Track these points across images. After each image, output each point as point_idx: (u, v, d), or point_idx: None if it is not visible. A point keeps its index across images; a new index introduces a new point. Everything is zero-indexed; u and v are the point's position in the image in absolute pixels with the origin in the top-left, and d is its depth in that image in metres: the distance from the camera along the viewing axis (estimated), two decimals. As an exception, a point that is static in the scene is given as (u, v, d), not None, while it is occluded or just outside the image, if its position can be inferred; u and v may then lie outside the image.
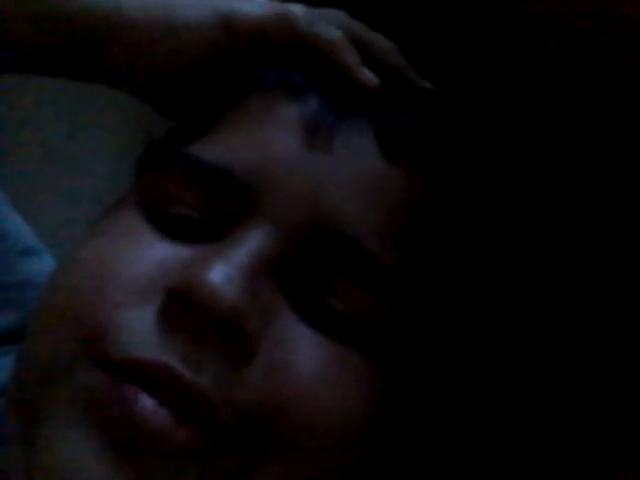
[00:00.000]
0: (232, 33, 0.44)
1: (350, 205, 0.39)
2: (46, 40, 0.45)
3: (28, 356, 0.40)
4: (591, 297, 0.47)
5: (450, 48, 0.51)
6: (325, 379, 0.38)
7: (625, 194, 0.46)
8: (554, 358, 0.47)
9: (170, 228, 0.40)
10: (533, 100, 0.49)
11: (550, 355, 0.48)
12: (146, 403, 0.35)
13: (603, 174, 0.47)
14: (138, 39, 0.44)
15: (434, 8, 0.51)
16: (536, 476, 0.47)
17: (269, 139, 0.40)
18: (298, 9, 0.45)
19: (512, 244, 0.46)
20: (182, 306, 0.36)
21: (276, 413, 0.37)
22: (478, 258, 0.44)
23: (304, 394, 0.37)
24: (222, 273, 0.36)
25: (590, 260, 0.47)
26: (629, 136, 0.46)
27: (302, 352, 0.38)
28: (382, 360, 0.40)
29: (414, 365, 0.42)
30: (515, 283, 0.47)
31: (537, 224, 0.48)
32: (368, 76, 0.43)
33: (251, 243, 0.38)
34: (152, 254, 0.39)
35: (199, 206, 0.40)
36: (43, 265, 0.50)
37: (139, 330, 0.37)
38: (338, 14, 0.46)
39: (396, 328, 0.40)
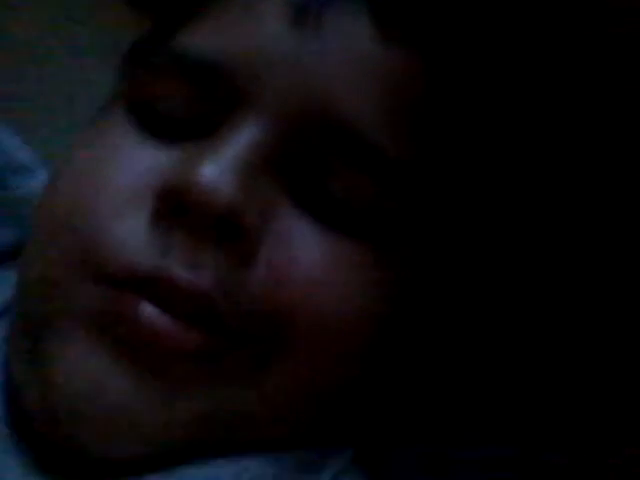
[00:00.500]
0: None
1: (345, 90, 0.38)
2: None
3: (27, 274, 0.40)
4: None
5: None
6: (330, 273, 0.37)
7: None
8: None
9: (159, 129, 0.38)
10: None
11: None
12: (150, 312, 0.35)
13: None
14: None
15: None
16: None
17: (255, 25, 0.38)
18: None
19: (519, 129, 0.43)
20: (175, 207, 0.35)
21: (282, 311, 0.36)
22: (487, 144, 0.42)
23: (309, 290, 0.36)
24: (215, 168, 0.35)
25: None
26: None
27: (305, 248, 0.37)
28: (390, 251, 0.39)
29: (425, 256, 0.41)
30: (527, 177, 0.44)
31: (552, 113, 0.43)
32: None
33: (244, 136, 0.36)
34: (141, 159, 0.38)
35: (187, 103, 0.38)
36: (39, 182, 0.49)
37: (133, 239, 0.36)
38: None
39: (404, 218, 0.39)
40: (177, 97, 0.38)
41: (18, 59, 0.58)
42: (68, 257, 0.37)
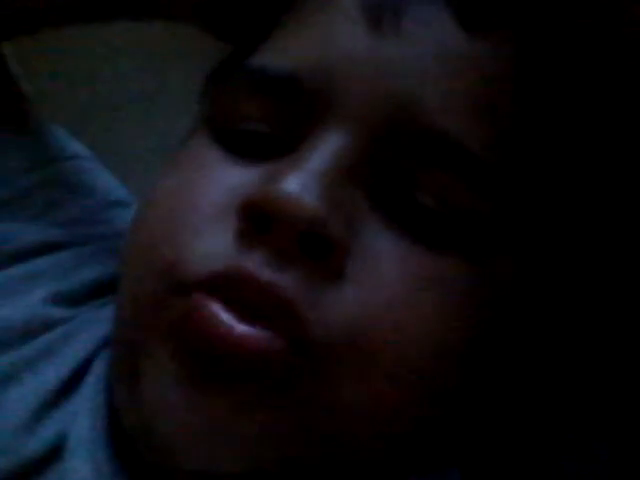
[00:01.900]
0: None
1: (431, 92, 0.36)
2: None
3: (121, 299, 0.40)
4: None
5: None
6: (420, 294, 0.35)
7: None
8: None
9: (243, 149, 0.38)
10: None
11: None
12: (221, 318, 0.34)
13: None
14: None
15: None
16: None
17: (330, 34, 0.37)
18: None
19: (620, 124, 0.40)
20: (259, 223, 0.34)
21: (369, 334, 0.35)
22: (577, 143, 0.39)
23: (399, 313, 0.35)
24: (298, 181, 0.34)
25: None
26: None
27: (394, 265, 0.35)
28: (485, 265, 0.37)
29: (521, 270, 0.39)
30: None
31: None
32: None
33: (326, 147, 0.35)
34: (225, 178, 0.37)
35: (268, 120, 0.38)
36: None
37: (215, 251, 0.35)
38: None
39: (498, 227, 0.37)
40: (259, 115, 0.38)
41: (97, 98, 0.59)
42: (155, 276, 0.37)
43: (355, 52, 0.36)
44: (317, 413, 0.35)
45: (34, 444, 0.39)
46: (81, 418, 0.40)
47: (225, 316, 0.34)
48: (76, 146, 0.52)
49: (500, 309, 0.39)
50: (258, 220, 0.34)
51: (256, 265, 0.34)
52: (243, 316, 0.34)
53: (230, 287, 0.34)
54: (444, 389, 0.38)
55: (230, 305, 0.34)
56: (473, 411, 0.40)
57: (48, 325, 0.43)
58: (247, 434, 0.35)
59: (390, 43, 0.36)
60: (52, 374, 0.41)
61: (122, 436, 0.39)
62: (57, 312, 0.44)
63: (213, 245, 0.36)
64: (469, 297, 0.37)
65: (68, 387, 0.42)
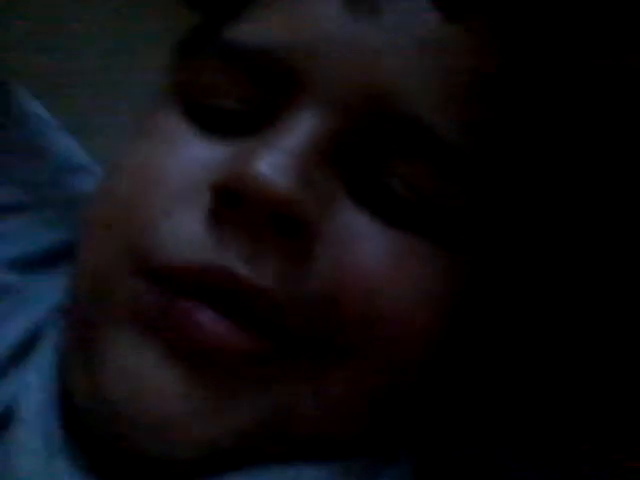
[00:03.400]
0: None
1: (407, 76, 0.35)
2: None
3: (78, 268, 0.39)
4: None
5: None
6: (393, 273, 0.35)
7: None
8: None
9: (212, 124, 0.37)
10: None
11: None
12: (203, 318, 0.34)
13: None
14: None
15: None
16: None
17: (307, 12, 0.36)
18: None
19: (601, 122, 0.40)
20: (231, 203, 0.34)
21: (344, 312, 0.35)
22: (555, 135, 0.39)
23: (371, 292, 0.35)
24: (272, 161, 0.33)
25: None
26: None
27: (366, 246, 0.35)
28: (454, 247, 0.37)
29: (494, 256, 0.39)
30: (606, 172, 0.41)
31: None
32: None
33: (301, 128, 0.35)
34: (195, 154, 0.37)
35: (241, 95, 0.37)
36: (95, 181, 0.48)
37: (186, 234, 0.35)
38: None
39: (468, 212, 0.37)
40: (231, 89, 0.37)
41: (74, 56, 0.58)
42: (118, 252, 0.36)
43: (332, 32, 0.36)
44: (292, 398, 0.35)
45: None
46: (33, 389, 0.39)
47: (206, 319, 0.34)
48: (37, 108, 0.50)
49: (468, 296, 0.39)
50: (230, 201, 0.34)
51: (232, 260, 0.34)
52: (218, 311, 0.34)
53: (210, 290, 0.34)
54: (413, 370, 0.38)
55: (209, 305, 0.34)
56: (433, 394, 0.41)
57: (1, 291, 0.42)
58: (209, 424, 0.35)
59: (367, 25, 0.36)
60: (1, 341, 0.40)
61: (73, 409, 0.38)
62: (11, 278, 0.43)
63: (184, 228, 0.35)
64: (438, 280, 0.37)
65: (18, 355, 0.41)
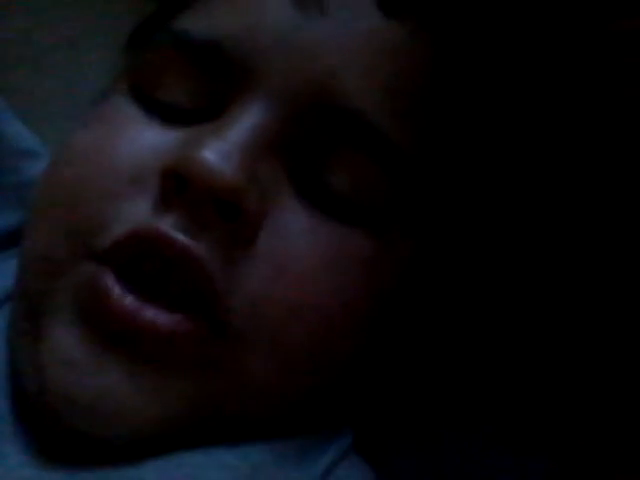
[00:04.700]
0: None
1: (350, 72, 0.37)
2: None
3: (26, 253, 0.40)
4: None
5: None
6: (328, 266, 0.37)
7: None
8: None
9: (161, 113, 0.38)
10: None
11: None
12: (119, 293, 0.35)
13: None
14: None
15: None
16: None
17: (256, 5, 0.38)
18: None
19: (530, 116, 0.42)
20: (178, 188, 0.35)
21: (274, 301, 0.36)
22: (493, 134, 0.41)
23: (304, 275, 0.36)
24: (218, 150, 0.35)
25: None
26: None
27: (304, 239, 0.36)
28: (390, 240, 0.38)
29: (427, 247, 0.40)
30: (537, 170, 0.43)
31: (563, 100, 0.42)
32: None
33: (247, 119, 0.36)
34: (144, 140, 0.37)
35: (190, 85, 0.38)
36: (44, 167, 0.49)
37: (132, 215, 0.35)
38: None
39: (406, 206, 0.39)
40: (180, 79, 0.38)
41: (16, 46, 0.57)
42: (67, 235, 0.37)
43: (279, 26, 0.37)
44: (223, 378, 0.36)
45: None
46: None
47: (117, 289, 0.35)
48: None
49: (401, 283, 0.40)
50: (177, 186, 0.35)
51: (169, 227, 0.35)
52: (141, 289, 0.35)
53: (140, 249, 0.35)
54: (344, 358, 0.39)
55: (127, 276, 0.35)
56: (372, 375, 0.42)
57: None
58: (137, 405, 0.36)
59: (313, 19, 0.37)
60: None
61: (22, 392, 0.38)
62: None
63: (128, 209, 0.36)
64: (372, 271, 0.38)
65: None
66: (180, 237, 0.34)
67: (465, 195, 0.42)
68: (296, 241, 0.36)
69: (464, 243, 0.43)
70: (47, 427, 0.37)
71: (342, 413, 0.42)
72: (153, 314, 0.35)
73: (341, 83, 0.37)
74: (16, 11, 0.57)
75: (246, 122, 0.36)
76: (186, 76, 0.38)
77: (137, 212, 0.36)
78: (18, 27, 0.56)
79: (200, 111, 0.38)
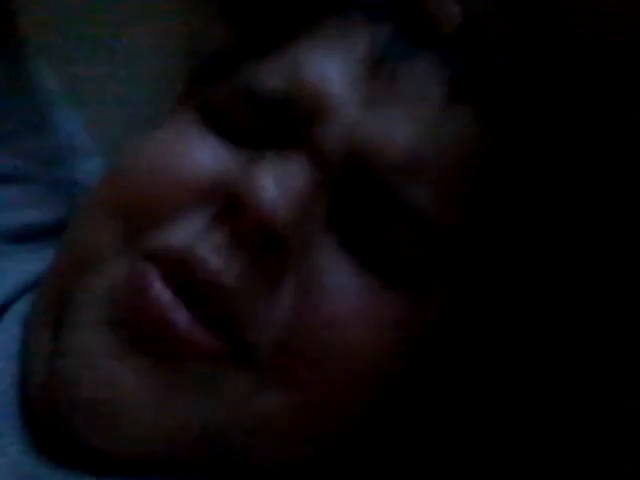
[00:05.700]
0: None
1: (404, 150, 0.37)
2: None
3: (71, 242, 0.40)
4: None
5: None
6: (357, 311, 0.37)
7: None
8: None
9: (229, 135, 0.39)
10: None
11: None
12: (158, 291, 0.35)
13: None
14: None
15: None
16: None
17: (333, 64, 0.38)
18: None
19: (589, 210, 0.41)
20: (232, 209, 0.36)
21: (301, 337, 0.36)
22: (546, 219, 0.41)
23: (333, 322, 0.36)
24: (278, 184, 0.36)
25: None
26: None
27: (337, 286, 0.37)
28: (425, 301, 0.39)
29: (456, 311, 0.40)
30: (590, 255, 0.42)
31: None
32: (452, 12, 0.39)
33: (306, 164, 0.37)
34: (205, 155, 0.38)
35: (253, 125, 0.39)
36: (94, 166, 0.50)
37: (186, 226, 0.36)
38: None
39: (443, 269, 0.39)
40: (244, 118, 0.39)
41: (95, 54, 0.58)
42: (117, 229, 0.37)
43: (348, 90, 0.38)
44: (232, 418, 0.36)
45: None
46: None
47: (159, 287, 0.35)
48: (50, 81, 0.51)
49: (432, 333, 0.40)
50: (232, 211, 0.36)
51: (209, 249, 0.35)
52: (179, 295, 0.35)
53: (176, 267, 0.35)
54: (356, 408, 0.39)
55: (170, 280, 0.35)
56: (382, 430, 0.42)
57: None
58: (146, 416, 0.35)
59: (380, 90, 0.38)
60: None
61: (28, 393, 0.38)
62: None
63: (182, 219, 0.37)
64: (403, 331, 0.38)
65: None
66: (214, 263, 0.35)
67: (500, 260, 0.41)
68: (331, 286, 0.37)
69: (490, 303, 0.42)
70: (45, 424, 0.37)
71: (346, 468, 0.41)
72: (189, 324, 0.35)
73: (388, 154, 0.37)
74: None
75: (307, 168, 0.37)
76: (251, 116, 0.39)
77: (188, 226, 0.36)
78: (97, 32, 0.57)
79: (263, 139, 0.38)
